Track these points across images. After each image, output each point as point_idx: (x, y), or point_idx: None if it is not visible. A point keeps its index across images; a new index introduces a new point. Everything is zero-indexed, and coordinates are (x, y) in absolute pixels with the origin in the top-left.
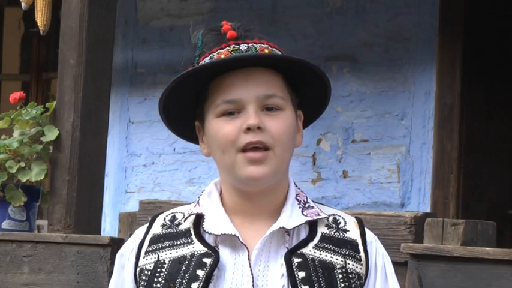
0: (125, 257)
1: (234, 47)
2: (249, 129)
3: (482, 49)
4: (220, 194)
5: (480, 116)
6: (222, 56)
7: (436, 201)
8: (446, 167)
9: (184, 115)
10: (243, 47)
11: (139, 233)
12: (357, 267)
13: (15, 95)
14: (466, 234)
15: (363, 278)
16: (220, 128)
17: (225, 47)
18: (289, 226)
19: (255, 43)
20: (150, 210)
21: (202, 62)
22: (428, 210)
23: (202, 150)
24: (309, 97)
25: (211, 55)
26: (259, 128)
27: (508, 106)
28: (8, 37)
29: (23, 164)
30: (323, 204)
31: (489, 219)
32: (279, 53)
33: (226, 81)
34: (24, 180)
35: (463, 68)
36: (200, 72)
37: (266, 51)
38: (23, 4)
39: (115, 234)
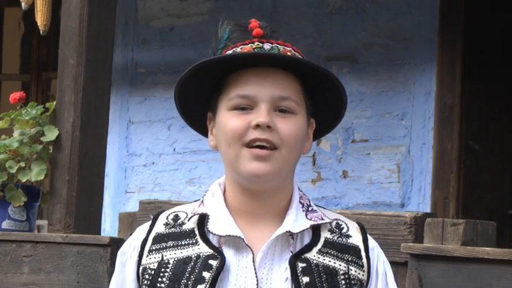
0: (127, 255)
1: (257, 44)
2: (258, 126)
3: (482, 49)
4: (224, 194)
5: (480, 116)
6: (245, 51)
7: (436, 201)
8: (446, 167)
9: (199, 105)
10: (266, 45)
11: (141, 231)
12: (359, 273)
13: (15, 95)
14: (466, 234)
15: (365, 284)
16: (230, 120)
17: (249, 43)
18: (295, 230)
19: (279, 44)
20: (150, 210)
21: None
22: (428, 210)
23: (209, 142)
24: (323, 109)
25: (234, 49)
26: (268, 127)
27: (508, 106)
28: (8, 37)
29: (23, 164)
30: (325, 208)
31: (489, 219)
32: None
33: (244, 76)
34: (24, 180)
35: (463, 68)
36: (219, 63)
37: (289, 54)
38: (23, 4)
39: (115, 234)
